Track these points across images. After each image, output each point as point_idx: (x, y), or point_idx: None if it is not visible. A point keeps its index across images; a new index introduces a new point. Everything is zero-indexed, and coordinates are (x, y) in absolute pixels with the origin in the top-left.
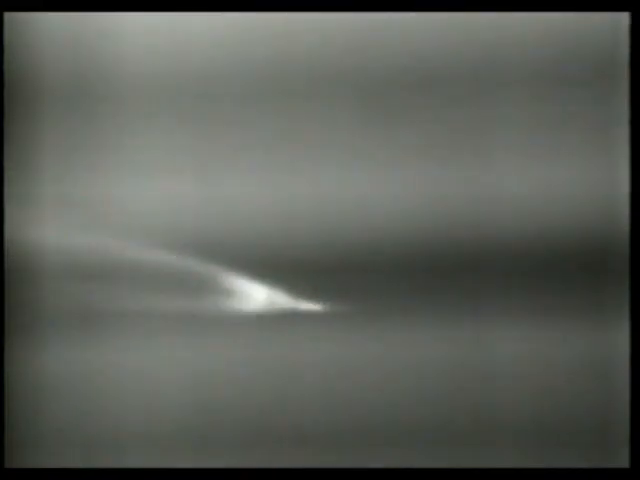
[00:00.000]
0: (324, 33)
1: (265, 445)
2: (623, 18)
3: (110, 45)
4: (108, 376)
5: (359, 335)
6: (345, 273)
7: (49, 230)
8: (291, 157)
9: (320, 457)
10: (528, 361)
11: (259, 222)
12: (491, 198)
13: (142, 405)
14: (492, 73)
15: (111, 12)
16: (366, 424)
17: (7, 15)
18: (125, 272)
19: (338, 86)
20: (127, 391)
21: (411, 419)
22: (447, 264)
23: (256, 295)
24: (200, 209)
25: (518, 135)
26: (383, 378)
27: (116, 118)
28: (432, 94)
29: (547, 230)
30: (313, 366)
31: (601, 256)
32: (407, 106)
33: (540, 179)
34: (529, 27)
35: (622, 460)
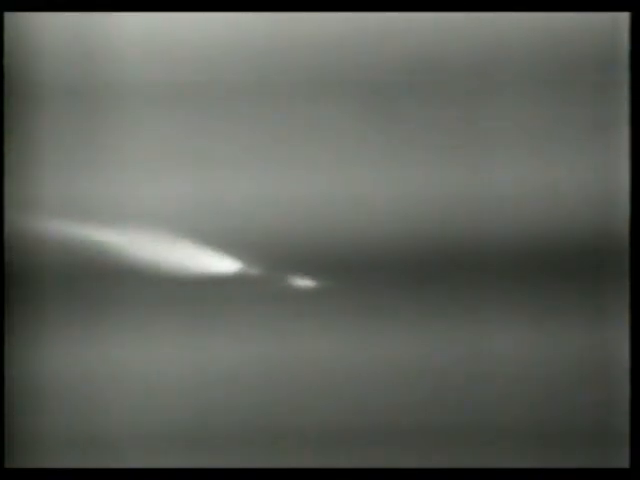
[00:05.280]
0: (324, 33)
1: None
2: (623, 18)
3: (110, 45)
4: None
5: (357, 334)
6: (343, 272)
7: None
8: (289, 157)
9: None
10: (527, 361)
11: (253, 221)
12: (490, 197)
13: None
14: (492, 73)
15: (111, 12)
16: (360, 424)
17: (7, 15)
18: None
19: (338, 86)
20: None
21: (409, 419)
22: (445, 263)
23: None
24: (194, 208)
25: (518, 134)
26: (381, 378)
27: (116, 118)
28: (432, 94)
29: (547, 230)
30: (303, 361)
31: (601, 256)
32: (407, 105)
33: (540, 179)
34: (529, 27)
35: (622, 460)
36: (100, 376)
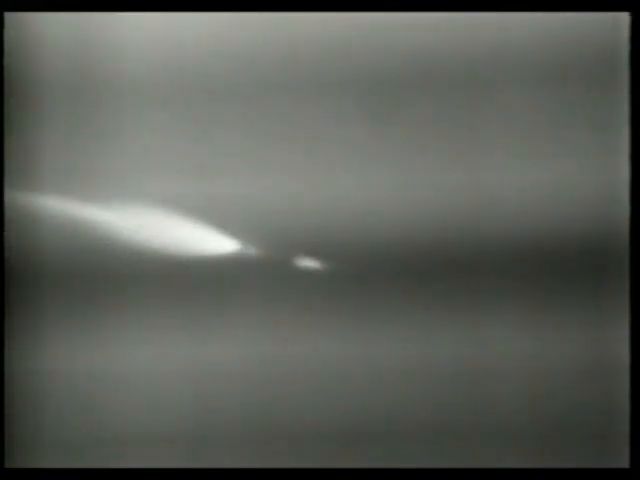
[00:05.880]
0: (324, 33)
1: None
2: (623, 18)
3: (110, 44)
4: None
5: (357, 334)
6: (343, 271)
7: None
8: (289, 156)
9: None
10: (527, 361)
11: (252, 224)
12: (491, 198)
13: None
14: (492, 73)
15: (111, 12)
16: (358, 425)
17: (7, 15)
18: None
19: (338, 86)
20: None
21: (408, 419)
22: (446, 264)
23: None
24: (192, 207)
25: (517, 135)
26: (381, 378)
27: (116, 118)
28: (432, 94)
29: (547, 230)
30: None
31: (601, 256)
32: (407, 106)
33: (540, 179)
34: (529, 27)
35: (622, 460)
36: (100, 372)
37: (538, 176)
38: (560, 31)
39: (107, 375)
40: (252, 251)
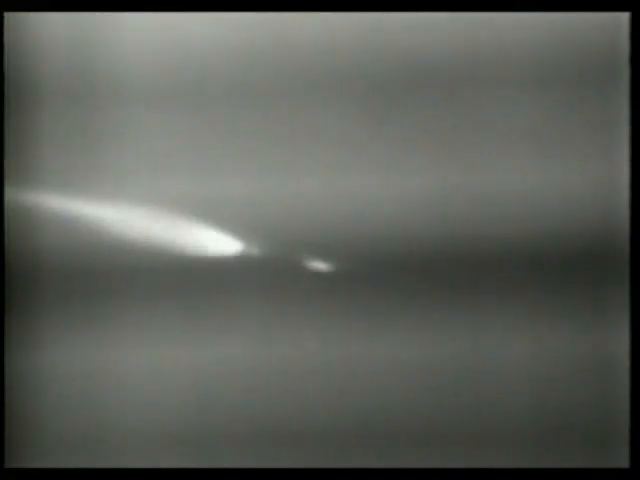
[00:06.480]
0: (324, 33)
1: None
2: (623, 18)
3: (110, 44)
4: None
5: (358, 334)
6: (343, 272)
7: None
8: (288, 157)
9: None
10: (527, 361)
11: (253, 224)
12: (490, 198)
13: None
14: (492, 73)
15: (111, 12)
16: (360, 426)
17: (7, 15)
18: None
19: (338, 86)
20: None
21: (408, 419)
22: (446, 264)
23: None
24: (193, 206)
25: (517, 135)
26: (381, 378)
27: (116, 117)
28: (432, 94)
29: (546, 230)
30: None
31: (601, 256)
32: (408, 105)
33: (539, 179)
34: (529, 27)
35: (622, 460)
36: (101, 372)
37: (538, 176)
38: (560, 31)
39: (107, 375)
40: (253, 251)
